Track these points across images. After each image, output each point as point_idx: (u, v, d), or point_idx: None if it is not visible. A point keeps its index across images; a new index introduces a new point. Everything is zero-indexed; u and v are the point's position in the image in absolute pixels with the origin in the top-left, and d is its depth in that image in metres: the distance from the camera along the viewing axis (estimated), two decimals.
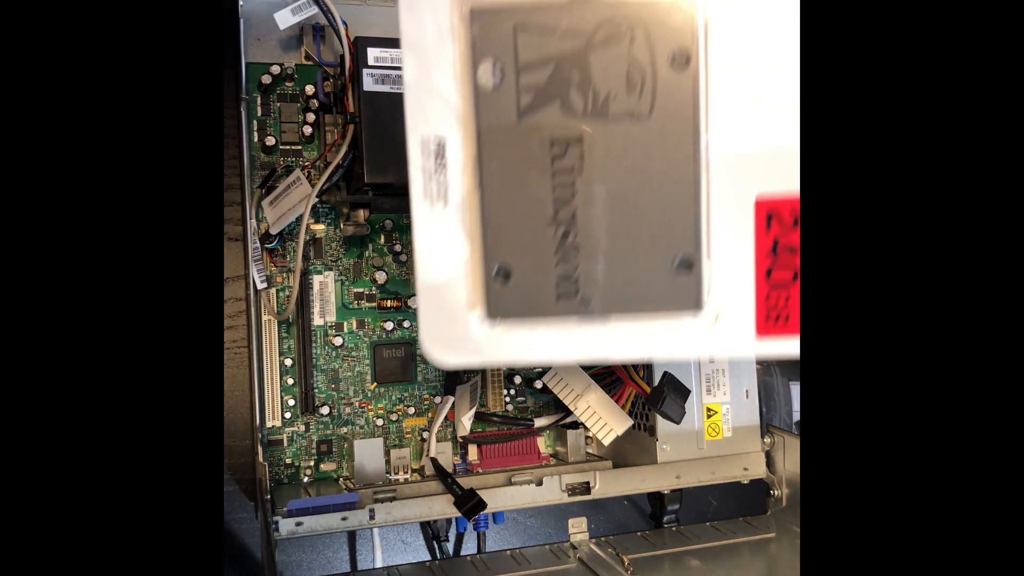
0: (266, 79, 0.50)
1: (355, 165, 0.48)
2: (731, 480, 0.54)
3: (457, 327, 0.27)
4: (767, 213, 0.26)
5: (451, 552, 0.57)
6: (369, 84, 0.47)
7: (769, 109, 0.25)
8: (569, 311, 0.27)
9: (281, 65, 0.51)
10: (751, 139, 0.26)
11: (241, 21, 0.49)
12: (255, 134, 0.51)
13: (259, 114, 0.51)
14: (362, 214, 0.50)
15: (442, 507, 0.50)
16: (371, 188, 0.47)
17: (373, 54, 0.47)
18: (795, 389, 0.64)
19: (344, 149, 0.48)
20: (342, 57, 0.48)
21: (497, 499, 0.51)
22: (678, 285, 0.26)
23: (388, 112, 0.47)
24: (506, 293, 0.27)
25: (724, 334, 0.27)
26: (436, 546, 0.56)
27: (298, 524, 0.46)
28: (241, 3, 0.49)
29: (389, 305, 0.54)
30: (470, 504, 0.48)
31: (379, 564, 0.55)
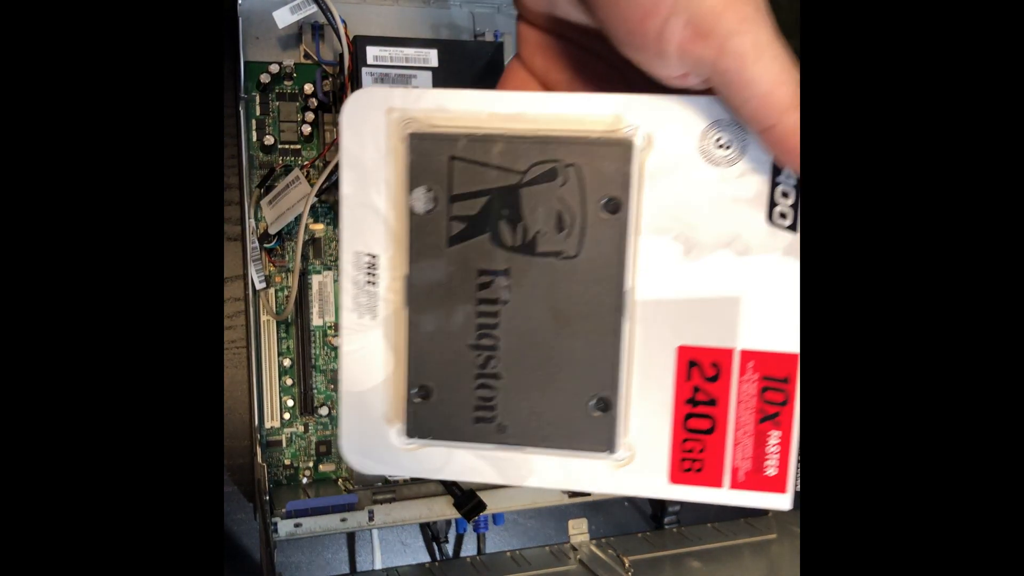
0: (265, 78, 0.50)
1: None
2: None
3: (376, 438, 0.28)
4: (688, 362, 0.26)
5: (451, 553, 0.57)
6: (368, 83, 0.47)
7: (698, 260, 0.26)
8: (485, 436, 0.27)
9: (280, 64, 0.51)
10: (678, 288, 0.26)
11: (240, 20, 0.49)
12: (254, 133, 0.51)
13: (258, 113, 0.51)
14: None
15: (441, 508, 0.49)
16: None
17: (372, 53, 0.47)
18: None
19: None
20: (341, 56, 0.48)
21: (497, 500, 0.50)
22: (593, 424, 0.27)
23: None
24: (425, 412, 0.27)
25: (637, 477, 0.27)
26: (436, 547, 0.56)
27: (297, 525, 0.46)
28: (240, 2, 0.49)
29: None
30: (470, 505, 0.48)
31: (378, 566, 0.55)
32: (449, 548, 0.57)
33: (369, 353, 0.28)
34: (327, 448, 0.53)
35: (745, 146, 0.25)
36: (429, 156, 0.26)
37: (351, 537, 0.56)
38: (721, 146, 0.25)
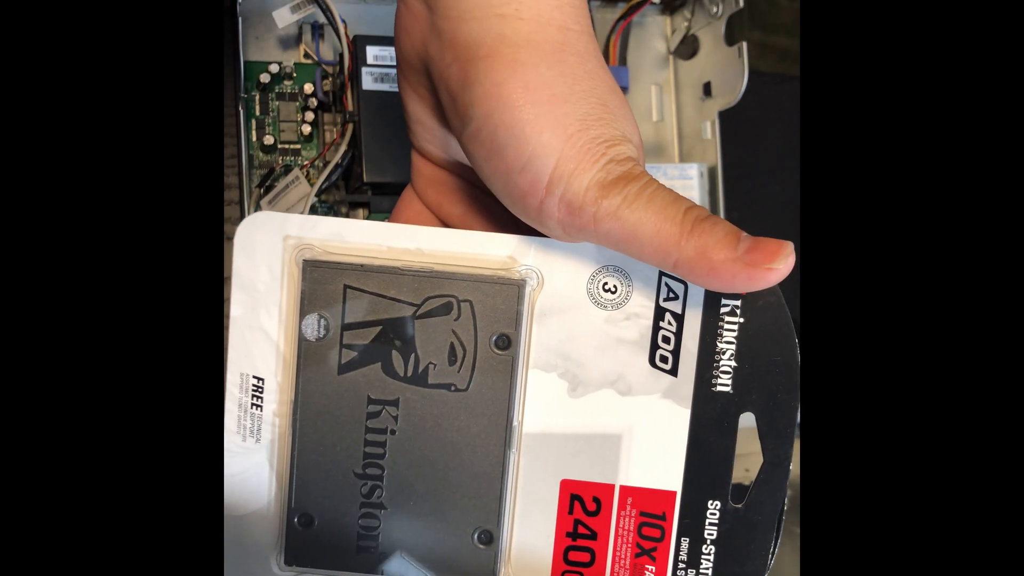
0: (264, 78, 0.50)
1: (354, 164, 0.48)
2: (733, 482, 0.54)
3: (258, 564, 0.28)
4: (571, 495, 0.27)
5: None
6: (368, 83, 0.47)
7: (583, 397, 0.27)
8: (367, 566, 0.27)
9: (280, 64, 0.51)
10: (563, 423, 0.27)
11: (240, 19, 0.49)
12: (253, 133, 0.51)
13: (257, 113, 0.51)
14: (361, 213, 0.50)
15: None
16: (370, 187, 0.47)
17: (372, 53, 0.47)
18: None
19: (343, 148, 0.48)
20: (341, 56, 0.48)
21: None
22: (476, 556, 0.27)
23: (387, 111, 0.47)
24: (307, 540, 0.27)
25: None
26: None
27: None
28: (240, 1, 0.49)
29: None
30: None
31: None
32: None
33: (252, 477, 0.27)
34: None
35: (631, 291, 0.26)
36: (323, 284, 0.26)
37: None
38: (608, 290, 0.26)
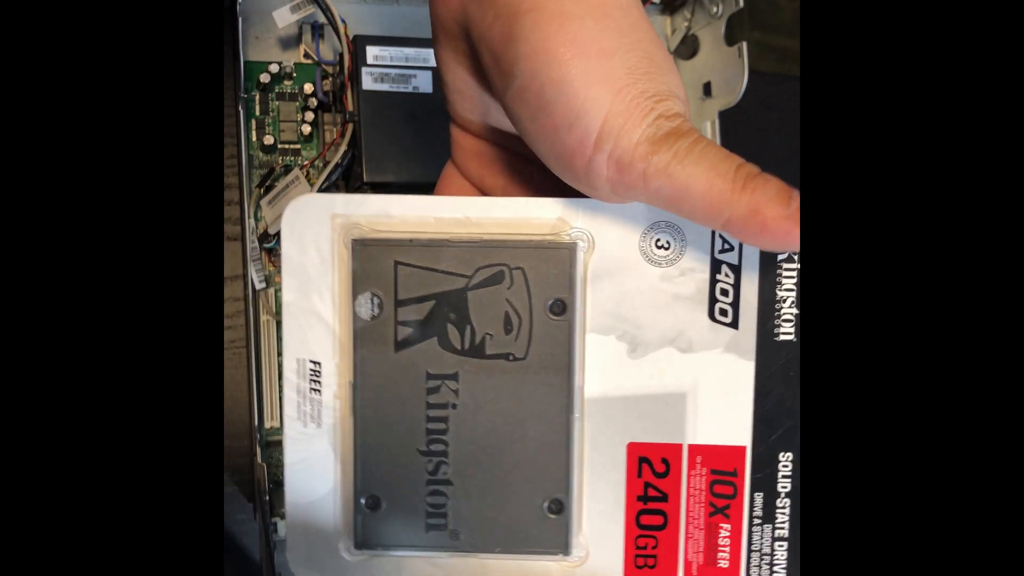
0: (264, 78, 0.50)
1: (354, 164, 0.48)
2: None
3: (325, 550, 0.27)
4: (638, 458, 0.27)
5: None
6: (368, 83, 0.47)
7: (644, 358, 0.26)
8: (438, 543, 0.27)
9: (280, 64, 0.51)
10: (625, 386, 0.26)
11: (240, 19, 0.49)
12: (253, 133, 0.51)
13: (257, 113, 0.51)
14: None
15: None
16: (370, 187, 0.47)
17: (372, 52, 0.47)
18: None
19: (343, 148, 0.48)
20: (341, 56, 0.48)
21: None
22: (547, 527, 0.27)
23: (387, 111, 0.47)
24: (375, 523, 0.27)
25: None
26: None
27: None
28: (240, 1, 0.49)
29: None
30: None
31: None
32: None
33: (315, 463, 0.27)
34: None
35: (684, 246, 0.26)
36: (374, 262, 0.26)
37: None
38: (660, 246, 0.26)
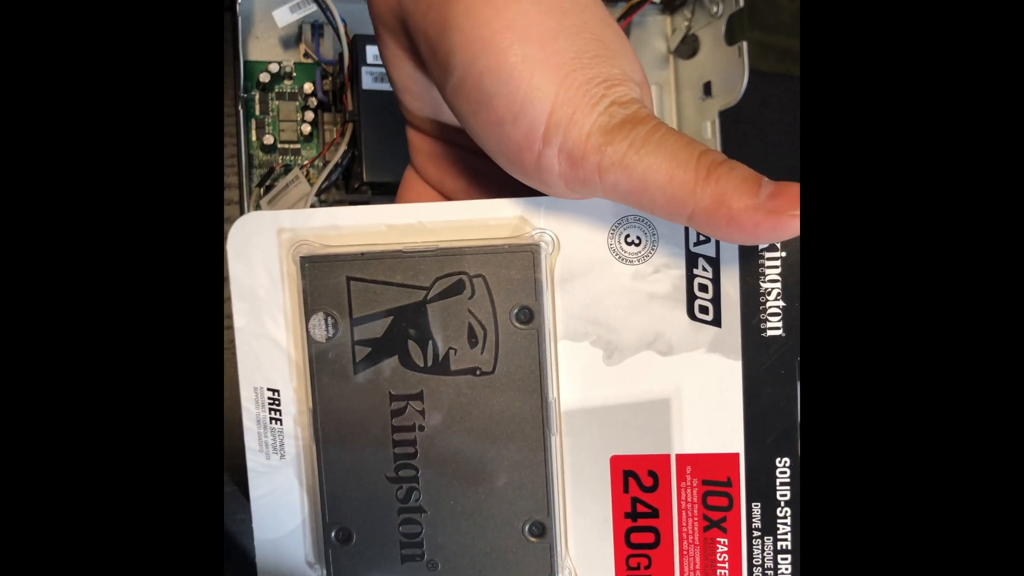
0: (264, 77, 0.50)
1: (354, 164, 0.48)
2: None
3: None
4: (623, 472, 0.25)
5: None
6: (368, 82, 0.47)
7: (621, 364, 0.24)
8: (415, 575, 0.25)
9: (280, 63, 0.51)
10: (603, 395, 0.25)
11: (240, 19, 0.49)
12: (253, 133, 0.51)
13: (257, 112, 0.51)
14: None
15: None
16: (370, 187, 0.47)
17: (372, 52, 0.47)
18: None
19: (343, 148, 0.48)
20: (341, 55, 0.48)
21: None
22: (530, 552, 0.25)
23: (387, 110, 0.46)
24: (347, 557, 0.25)
25: None
26: None
27: None
28: (239, 1, 0.49)
29: None
30: None
31: None
32: None
33: (282, 496, 0.26)
34: None
35: (656, 240, 0.24)
36: (325, 279, 0.24)
37: None
38: (631, 243, 0.24)
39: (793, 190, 0.20)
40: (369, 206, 0.25)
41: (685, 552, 0.25)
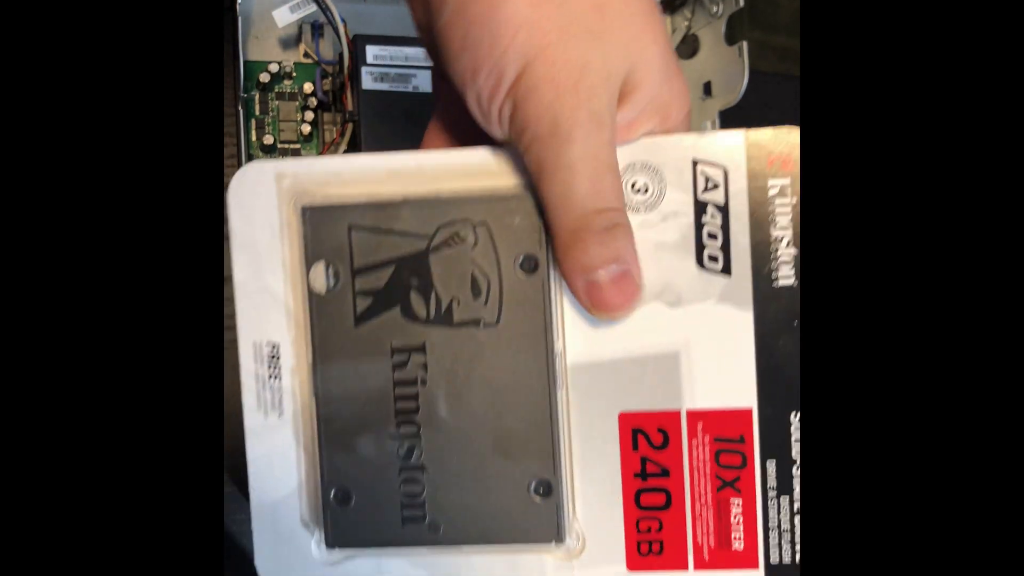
0: (264, 77, 0.50)
1: None
2: None
3: (295, 551, 0.25)
4: (632, 430, 0.24)
5: None
6: (368, 82, 0.47)
7: (630, 316, 0.23)
8: (416, 537, 0.24)
9: (280, 63, 0.51)
10: (611, 349, 0.24)
11: (240, 19, 0.49)
12: (253, 133, 0.51)
13: (257, 112, 0.51)
14: None
15: None
16: None
17: (372, 52, 0.47)
18: None
19: (343, 148, 0.48)
20: (341, 55, 0.48)
21: None
22: (535, 512, 0.24)
23: (387, 110, 0.46)
24: (347, 518, 0.24)
25: (591, 567, 0.24)
26: None
27: None
28: (239, 1, 0.49)
29: None
30: None
31: None
32: None
33: (279, 455, 0.25)
34: None
35: (664, 188, 0.23)
36: (326, 228, 0.24)
37: None
38: (638, 190, 0.23)
39: (614, 297, 0.22)
40: (370, 153, 0.24)
41: (698, 514, 0.24)
